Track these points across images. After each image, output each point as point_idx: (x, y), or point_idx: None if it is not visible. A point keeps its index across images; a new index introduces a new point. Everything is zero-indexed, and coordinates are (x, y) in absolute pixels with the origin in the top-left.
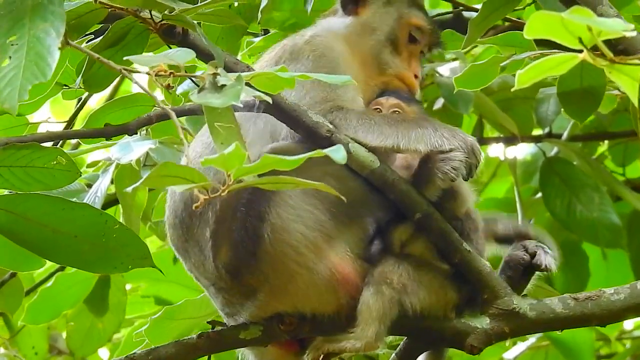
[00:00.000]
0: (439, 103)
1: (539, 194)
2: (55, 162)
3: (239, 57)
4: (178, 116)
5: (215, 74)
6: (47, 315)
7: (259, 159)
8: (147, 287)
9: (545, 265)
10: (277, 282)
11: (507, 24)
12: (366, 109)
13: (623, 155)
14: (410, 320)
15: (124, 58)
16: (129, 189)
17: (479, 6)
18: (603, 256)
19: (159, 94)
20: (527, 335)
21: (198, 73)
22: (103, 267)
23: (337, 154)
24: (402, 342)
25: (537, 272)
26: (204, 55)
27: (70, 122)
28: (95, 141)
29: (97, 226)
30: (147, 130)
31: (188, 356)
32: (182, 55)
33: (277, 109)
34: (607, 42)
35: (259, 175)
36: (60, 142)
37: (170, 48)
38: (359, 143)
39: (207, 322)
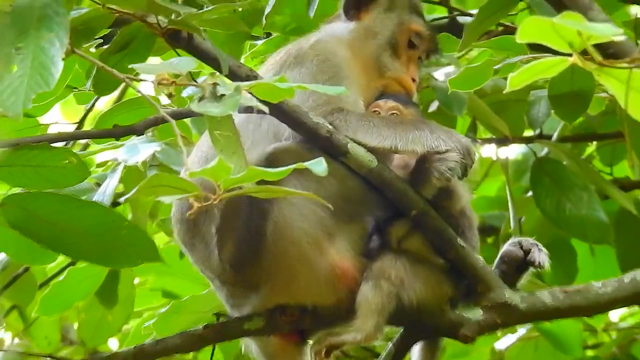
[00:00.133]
0: (434, 105)
1: (530, 193)
2: (65, 162)
3: (242, 61)
4: (182, 118)
5: (215, 84)
6: (59, 308)
7: (264, 159)
8: (155, 281)
9: (539, 262)
10: (280, 276)
11: (500, 28)
12: (366, 111)
13: (611, 156)
14: (407, 312)
15: (129, 66)
16: (123, 199)
17: (474, 11)
18: (591, 252)
19: (164, 97)
20: (518, 326)
21: (202, 78)
22: (112, 262)
23: (318, 167)
24: (398, 333)
25: (530, 268)
26: (209, 59)
27: (80, 124)
28: (104, 141)
29: (106, 223)
30: (153, 131)
31: (194, 346)
32: (184, 64)
33: (279, 111)
34: (597, 46)
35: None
36: (71, 142)
37: (176, 52)
38: (359, 143)
39: (213, 314)
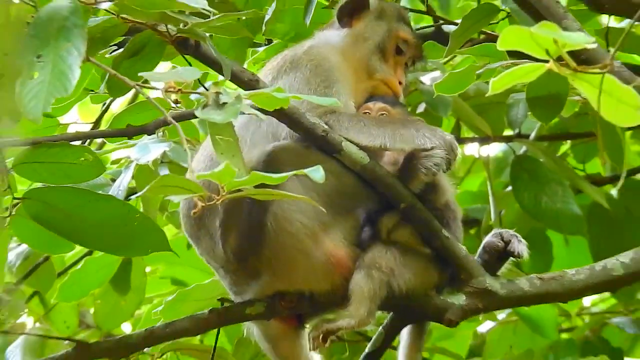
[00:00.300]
0: (422, 107)
1: (509, 188)
2: (82, 159)
3: (244, 66)
4: (189, 119)
5: (218, 92)
6: (77, 294)
7: (264, 157)
8: (165, 270)
9: (518, 252)
10: (279, 265)
11: (482, 36)
12: (356, 112)
13: (583, 154)
14: (396, 298)
15: (139, 74)
16: (135, 196)
17: (458, 21)
18: (565, 242)
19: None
20: (498, 311)
21: (208, 83)
22: (125, 251)
23: (316, 174)
24: (388, 317)
25: (510, 258)
26: (214, 64)
27: (96, 124)
28: (118, 140)
29: (120, 215)
30: (164, 131)
31: (200, 329)
32: (189, 74)
33: (279, 113)
34: (571, 53)
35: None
36: (87, 141)
37: (184, 57)
38: (351, 142)
39: (217, 300)
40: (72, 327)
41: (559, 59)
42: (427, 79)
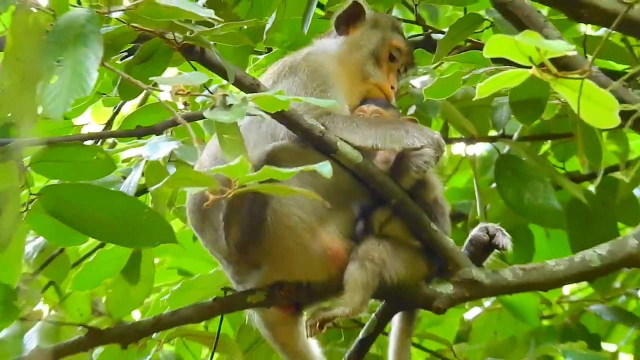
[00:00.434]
0: (412, 110)
1: (494, 185)
2: (95, 158)
3: (246, 72)
4: (195, 120)
5: (225, 95)
6: (90, 284)
7: (264, 157)
8: (172, 261)
9: (502, 245)
10: (278, 256)
11: (468, 44)
12: (351, 114)
13: (563, 153)
14: (388, 288)
15: (150, 78)
16: (153, 189)
17: (445, 29)
18: (546, 235)
19: (179, 103)
20: (484, 299)
21: (213, 87)
22: (135, 243)
23: (324, 168)
24: (380, 305)
25: (495, 250)
26: (218, 70)
27: (108, 125)
28: (129, 140)
29: (130, 210)
30: (171, 131)
31: (205, 316)
32: (196, 78)
33: (279, 114)
34: (552, 60)
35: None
36: (100, 141)
37: (190, 63)
38: (346, 142)
39: (221, 289)
40: (85, 315)
41: (541, 65)
42: (417, 83)
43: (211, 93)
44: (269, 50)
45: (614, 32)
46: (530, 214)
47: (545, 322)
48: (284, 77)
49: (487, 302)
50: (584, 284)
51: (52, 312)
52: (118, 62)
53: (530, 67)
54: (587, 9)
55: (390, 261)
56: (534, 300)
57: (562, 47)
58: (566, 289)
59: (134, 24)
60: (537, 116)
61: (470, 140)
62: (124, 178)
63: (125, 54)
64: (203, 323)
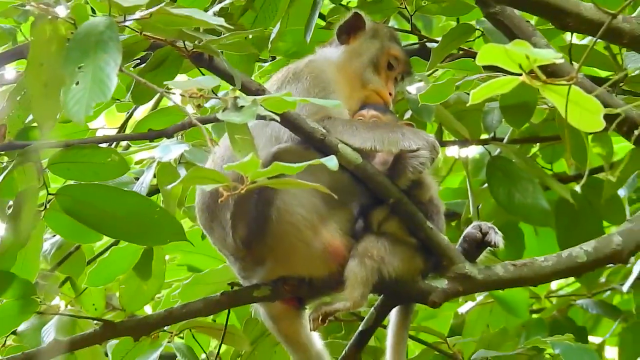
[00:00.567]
0: (408, 114)
1: (486, 185)
2: (109, 159)
3: (252, 78)
4: (204, 124)
5: (236, 97)
6: (104, 280)
7: (270, 158)
8: (182, 258)
9: (495, 242)
10: (282, 252)
11: (461, 52)
12: (350, 118)
13: (551, 155)
14: (386, 283)
15: (164, 82)
16: (169, 187)
17: (439, 38)
18: (535, 233)
19: (190, 108)
20: (477, 294)
21: (221, 93)
22: (147, 241)
23: (331, 162)
24: (379, 299)
25: (487, 247)
26: (225, 76)
27: (121, 128)
28: (141, 143)
29: (143, 209)
30: (182, 135)
31: (213, 310)
32: (207, 82)
33: (283, 118)
34: (540, 67)
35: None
36: (114, 143)
37: (199, 70)
38: (346, 144)
39: (228, 284)
40: (100, 309)
41: (530, 72)
42: (412, 89)
43: (220, 98)
44: (274, 58)
45: (599, 40)
46: (520, 213)
47: (534, 316)
48: (287, 83)
49: (479, 297)
50: (571, 279)
51: (69, 306)
52: (131, 69)
53: (520, 74)
54: (573, 18)
55: (388, 258)
56: (524, 294)
57: (550, 55)
58: (554, 284)
59: (146, 33)
60: (527, 120)
61: (463, 143)
62: (137, 179)
63: (138, 61)
64: (211, 317)
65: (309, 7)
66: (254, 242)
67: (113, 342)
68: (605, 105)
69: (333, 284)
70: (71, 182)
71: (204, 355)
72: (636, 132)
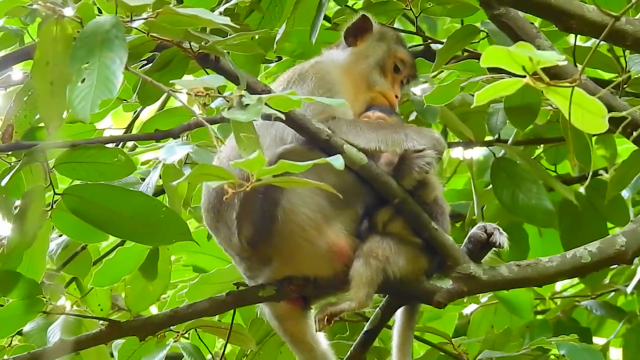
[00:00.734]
0: (413, 115)
1: (490, 186)
2: (116, 160)
3: (258, 79)
4: (211, 124)
5: (241, 96)
6: (110, 280)
7: (275, 159)
8: (187, 258)
9: (499, 243)
10: (287, 252)
11: (465, 54)
12: (355, 118)
13: (555, 156)
14: (391, 283)
15: (170, 81)
16: (174, 183)
17: (444, 40)
18: (539, 234)
19: (196, 108)
20: (481, 295)
21: (227, 93)
22: (153, 241)
23: (337, 161)
24: (384, 300)
25: (492, 248)
26: (231, 77)
27: (128, 129)
28: (147, 143)
29: (149, 209)
30: (187, 135)
31: (219, 310)
32: (214, 81)
33: (288, 119)
34: (544, 69)
35: (274, 175)
36: (120, 144)
37: (206, 71)
38: (350, 145)
39: (233, 284)
40: (106, 310)
41: (534, 74)
42: (417, 90)
43: (225, 97)
44: (279, 58)
45: (602, 42)
46: (524, 214)
47: (539, 317)
48: (293, 84)
49: (484, 298)
50: (575, 280)
51: (74, 307)
52: (138, 70)
53: (524, 76)
54: (577, 20)
55: (393, 258)
56: (528, 295)
57: (554, 57)
58: (558, 285)
59: (153, 34)
60: (531, 121)
61: (467, 144)
62: (143, 179)
63: (144, 62)
64: (216, 317)
65: (314, 9)
66: (260, 242)
67: (119, 342)
68: (609, 107)
69: (338, 284)
70: (78, 182)
71: (209, 356)
72: (635, 133)
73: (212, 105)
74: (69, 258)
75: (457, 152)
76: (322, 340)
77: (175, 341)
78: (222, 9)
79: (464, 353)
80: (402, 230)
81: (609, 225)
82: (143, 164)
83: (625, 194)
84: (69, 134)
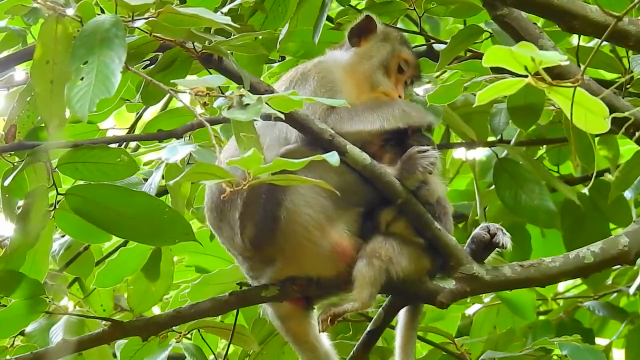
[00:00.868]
0: None
1: (493, 187)
2: (119, 160)
3: (261, 79)
4: (213, 125)
5: (241, 95)
6: (113, 281)
7: (277, 157)
8: (190, 259)
9: (503, 243)
10: (290, 252)
11: (468, 54)
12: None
13: (558, 157)
14: (394, 283)
15: (171, 81)
16: (172, 182)
17: (447, 40)
18: (542, 234)
19: (198, 108)
20: (484, 295)
21: (229, 92)
22: (156, 241)
23: (333, 158)
24: (387, 300)
25: (495, 248)
26: (234, 77)
27: (131, 129)
28: (150, 143)
29: (152, 209)
30: (190, 135)
31: (221, 310)
32: (215, 80)
33: (291, 119)
34: (546, 69)
35: (273, 174)
36: (123, 144)
37: (209, 71)
38: (353, 133)
39: (236, 284)
40: (108, 310)
41: (536, 74)
42: (420, 90)
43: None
44: (283, 58)
45: (604, 43)
46: (526, 214)
47: (541, 318)
48: (295, 83)
49: (487, 298)
50: (578, 281)
51: (77, 307)
52: (140, 70)
53: (526, 76)
54: (579, 21)
55: (396, 258)
56: (531, 296)
57: (556, 57)
58: (561, 286)
59: (155, 34)
60: (534, 122)
61: (470, 145)
62: (146, 179)
63: (147, 62)
64: (219, 317)
65: (317, 9)
66: (263, 242)
67: (121, 342)
68: (612, 108)
69: (341, 284)
70: (81, 182)
71: (212, 356)
72: (638, 134)
73: (215, 105)
74: (71, 258)
75: (460, 153)
76: (325, 340)
77: (177, 341)
78: (225, 9)
79: (467, 353)
80: (405, 231)
81: (612, 225)
82: (146, 164)
83: (627, 194)
84: (72, 134)
